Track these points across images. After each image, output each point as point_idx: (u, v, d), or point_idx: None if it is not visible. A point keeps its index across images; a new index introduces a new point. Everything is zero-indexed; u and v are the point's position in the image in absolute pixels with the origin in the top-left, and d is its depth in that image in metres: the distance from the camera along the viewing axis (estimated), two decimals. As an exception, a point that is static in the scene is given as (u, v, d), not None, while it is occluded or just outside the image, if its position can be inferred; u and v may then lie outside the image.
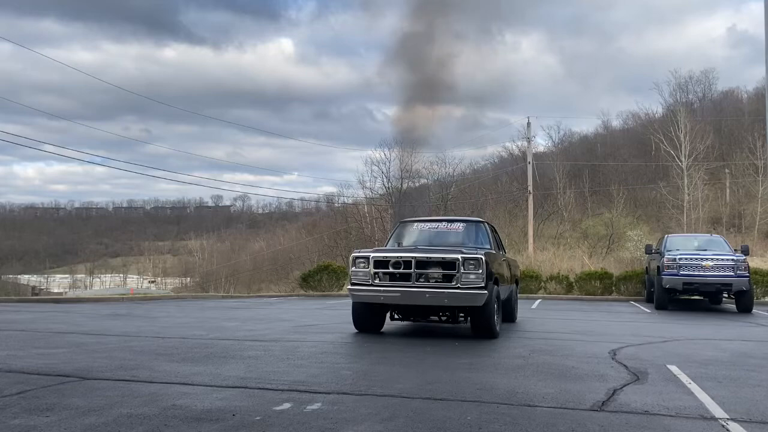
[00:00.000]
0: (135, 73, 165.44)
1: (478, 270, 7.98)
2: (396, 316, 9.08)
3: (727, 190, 43.28)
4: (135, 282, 76.92)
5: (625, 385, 5.23)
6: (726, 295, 15.99)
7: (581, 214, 46.03)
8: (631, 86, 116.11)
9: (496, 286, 8.61)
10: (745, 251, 15.83)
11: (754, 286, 16.97)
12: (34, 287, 63.60)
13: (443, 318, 8.83)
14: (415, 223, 10.20)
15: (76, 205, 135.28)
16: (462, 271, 8.01)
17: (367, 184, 46.91)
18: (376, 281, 8.38)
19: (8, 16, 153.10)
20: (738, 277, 14.75)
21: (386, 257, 8.42)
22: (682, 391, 5.07)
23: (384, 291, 8.26)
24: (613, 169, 49.99)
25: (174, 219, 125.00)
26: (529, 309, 14.92)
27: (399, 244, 9.51)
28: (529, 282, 21.59)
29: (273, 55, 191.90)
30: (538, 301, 19.07)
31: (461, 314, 8.65)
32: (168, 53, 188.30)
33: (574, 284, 22.06)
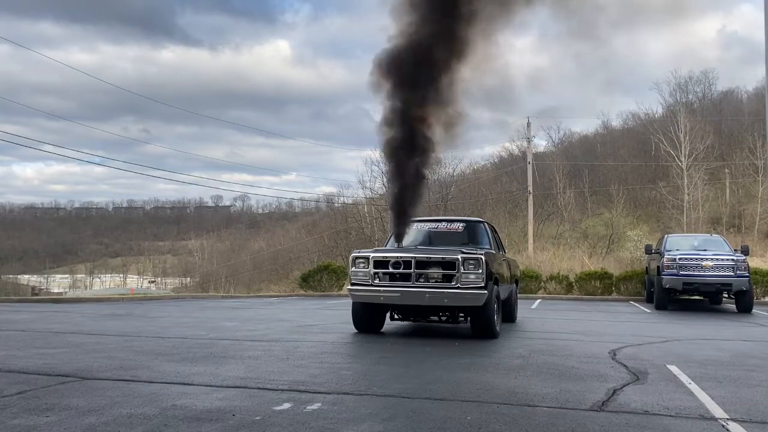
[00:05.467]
0: (133, 75, 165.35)
1: (478, 270, 7.98)
2: (396, 316, 9.08)
3: (727, 190, 43.26)
4: (135, 282, 76.89)
5: (625, 385, 5.23)
6: (726, 295, 15.99)
7: (581, 214, 46.08)
8: (626, 87, 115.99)
9: (496, 286, 8.61)
10: (745, 251, 15.83)
11: (754, 286, 16.97)
12: (34, 287, 63.54)
13: (443, 318, 8.82)
14: (415, 223, 10.18)
15: (76, 205, 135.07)
16: (462, 271, 8.00)
17: (367, 184, 46.98)
18: (376, 281, 8.38)
19: (7, 17, 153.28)
20: (738, 277, 14.75)
21: (386, 257, 8.42)
22: (682, 391, 5.07)
23: (384, 291, 8.25)
24: (613, 169, 49.96)
25: (174, 219, 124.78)
26: (529, 309, 14.92)
27: (399, 244, 9.50)
28: (529, 282, 21.60)
29: (270, 57, 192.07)
30: (538, 301, 19.08)
31: (461, 314, 8.64)
32: (165, 55, 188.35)
33: (574, 284, 22.06)
